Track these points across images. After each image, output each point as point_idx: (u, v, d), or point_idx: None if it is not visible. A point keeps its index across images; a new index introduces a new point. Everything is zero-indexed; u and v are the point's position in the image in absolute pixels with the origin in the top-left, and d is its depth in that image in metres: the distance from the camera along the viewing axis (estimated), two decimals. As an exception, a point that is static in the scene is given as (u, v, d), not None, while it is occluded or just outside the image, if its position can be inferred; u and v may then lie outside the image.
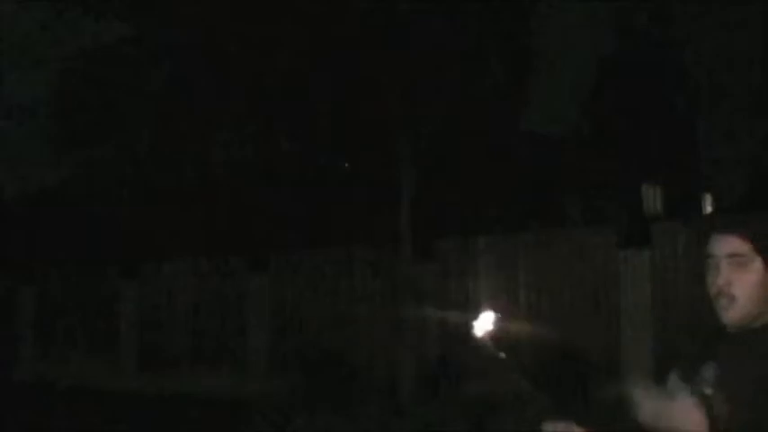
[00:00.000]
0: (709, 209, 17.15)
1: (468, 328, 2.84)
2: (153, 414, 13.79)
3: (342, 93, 13.66)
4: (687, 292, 12.45)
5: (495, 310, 2.87)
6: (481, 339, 2.84)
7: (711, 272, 2.69)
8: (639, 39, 14.09)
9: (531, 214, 14.95)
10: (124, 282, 17.61)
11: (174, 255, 17.08)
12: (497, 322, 2.83)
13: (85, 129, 16.46)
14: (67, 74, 16.54)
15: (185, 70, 15.70)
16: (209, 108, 15.73)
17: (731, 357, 2.61)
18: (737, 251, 2.64)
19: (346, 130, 15.30)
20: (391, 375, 12.98)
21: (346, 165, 17.50)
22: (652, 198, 17.36)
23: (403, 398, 12.40)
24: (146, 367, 16.83)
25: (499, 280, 13.83)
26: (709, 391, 2.61)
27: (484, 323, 2.84)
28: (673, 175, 16.91)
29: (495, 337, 2.83)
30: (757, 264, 2.63)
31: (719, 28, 13.20)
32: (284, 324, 15.65)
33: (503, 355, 2.85)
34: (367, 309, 14.77)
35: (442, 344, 14.01)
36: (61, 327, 18.11)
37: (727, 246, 2.67)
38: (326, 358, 14.17)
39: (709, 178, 16.59)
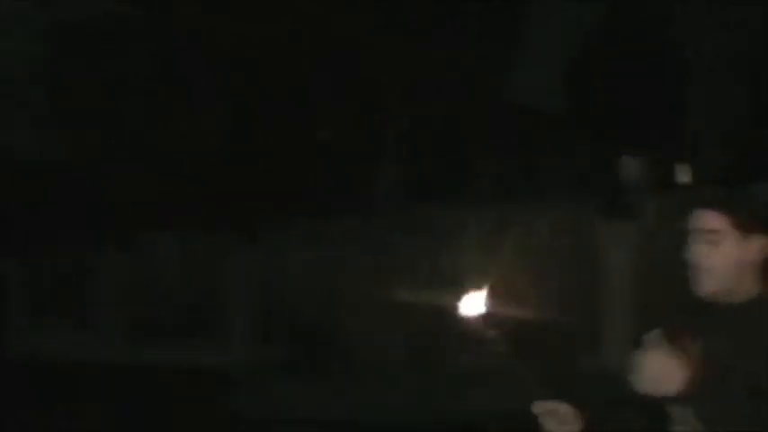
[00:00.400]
0: (689, 181, 17.23)
1: (456, 308, 2.86)
2: (139, 386, 13.84)
3: (329, 58, 13.61)
4: (669, 262, 12.56)
5: (482, 289, 2.89)
6: (470, 319, 2.86)
7: (690, 246, 2.75)
8: (624, 9, 14.12)
9: (514, 185, 15.00)
10: (111, 254, 17.58)
11: (159, 228, 17.05)
12: (486, 303, 2.86)
13: (71, 102, 16.37)
14: (50, 46, 16.44)
15: (169, 44, 15.63)
16: (191, 81, 15.68)
17: (717, 332, 2.64)
18: (713, 227, 2.69)
19: (333, 98, 15.26)
20: (380, 347, 13.04)
21: (330, 133, 17.46)
22: (633, 169, 17.43)
23: (391, 369, 12.47)
24: (129, 339, 16.84)
25: (482, 250, 13.89)
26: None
27: (473, 303, 2.86)
28: (654, 147, 16.96)
29: (485, 316, 2.86)
30: (732, 240, 2.67)
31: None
32: (270, 295, 15.68)
33: (492, 333, 2.88)
34: (354, 280, 14.81)
35: (429, 316, 14.08)
36: (48, 300, 18.09)
37: (704, 221, 2.71)
38: (314, 330, 14.21)
39: (691, 151, 16.63)
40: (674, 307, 2.88)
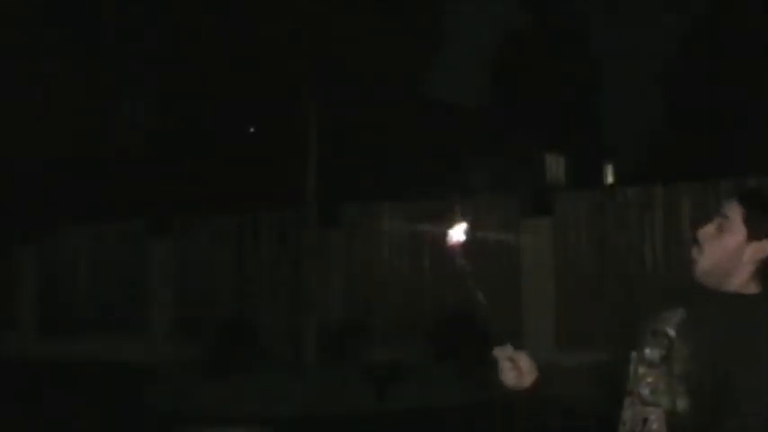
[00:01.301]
0: (610, 179, 17.49)
1: (443, 237, 2.96)
2: (55, 380, 13.61)
3: (250, 55, 13.53)
4: (588, 260, 12.73)
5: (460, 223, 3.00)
6: (452, 249, 2.95)
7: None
8: (547, 12, 14.26)
9: (436, 182, 15.07)
10: (24, 248, 17.30)
11: (74, 218, 16.80)
12: (467, 233, 2.95)
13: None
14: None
15: (90, 31, 15.40)
16: (111, 71, 15.47)
17: (700, 307, 2.69)
18: (727, 214, 2.72)
19: (254, 94, 15.18)
20: (295, 340, 13.00)
21: (252, 129, 17.38)
22: (555, 167, 17.65)
23: (306, 362, 12.43)
24: (48, 334, 16.57)
25: (403, 246, 13.94)
26: (672, 332, 2.68)
27: (456, 233, 2.95)
28: (576, 145, 17.19)
29: (464, 247, 2.94)
30: (738, 233, 2.69)
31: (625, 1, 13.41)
32: (187, 288, 15.55)
33: (467, 266, 2.89)
34: (272, 273, 14.76)
35: (346, 310, 14.10)
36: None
37: (725, 207, 2.73)
38: (230, 322, 14.13)
39: (611, 150, 16.90)
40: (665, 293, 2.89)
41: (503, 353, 2.82)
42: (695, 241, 2.75)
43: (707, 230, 2.73)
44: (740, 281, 2.71)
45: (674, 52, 13.07)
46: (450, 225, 3.00)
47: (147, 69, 15.50)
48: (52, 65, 16.18)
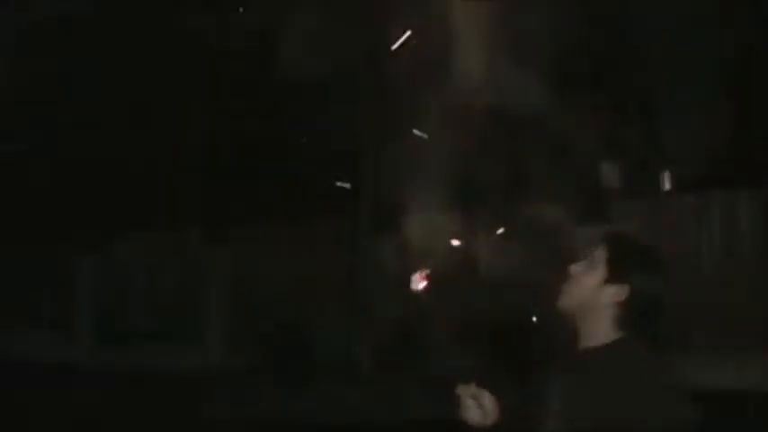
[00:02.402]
0: (667, 186, 17.25)
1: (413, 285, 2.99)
2: (110, 390, 13.73)
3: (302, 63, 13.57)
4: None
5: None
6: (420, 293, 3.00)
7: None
8: (598, 12, 14.13)
9: (489, 187, 14.98)
10: (80, 258, 17.47)
11: (130, 229, 16.94)
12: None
13: (41, 101, 16.25)
14: (18, 45, 16.32)
15: (144, 44, 15.54)
16: (169, 84, 15.58)
17: (580, 374, 2.70)
18: (593, 253, 2.83)
19: (306, 102, 15.20)
20: (350, 349, 12.99)
21: (304, 139, 17.39)
22: (610, 174, 17.45)
23: (361, 370, 12.42)
24: (102, 342, 16.71)
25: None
26: (557, 406, 2.72)
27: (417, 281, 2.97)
28: (632, 152, 17.00)
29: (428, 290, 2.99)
30: (600, 272, 2.76)
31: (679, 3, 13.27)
32: (243, 298, 15.61)
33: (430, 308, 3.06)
34: (327, 281, 14.76)
35: (402, 317, 14.05)
36: (18, 303, 17.94)
37: (594, 246, 2.85)
38: (285, 331, 14.15)
39: (668, 156, 16.71)
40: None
41: (466, 391, 2.85)
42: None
43: (575, 268, 2.78)
44: (599, 324, 2.72)
45: (732, 52, 12.91)
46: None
47: (200, 78, 15.60)
48: (109, 68, 16.30)
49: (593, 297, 2.73)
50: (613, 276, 2.73)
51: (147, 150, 16.88)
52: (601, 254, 2.77)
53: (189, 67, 15.40)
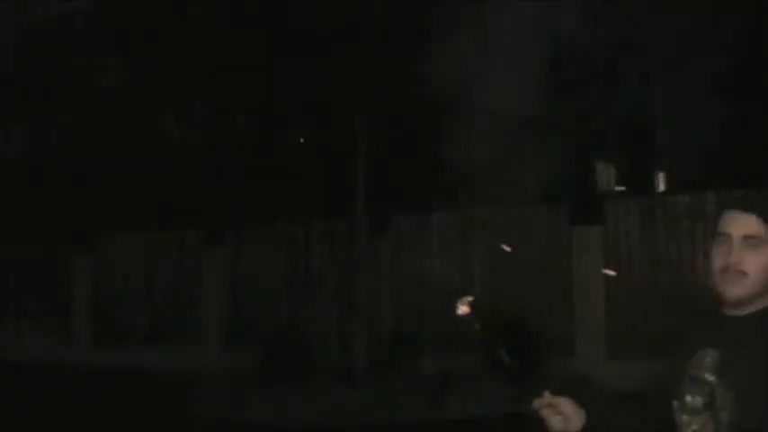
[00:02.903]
0: (662, 187, 17.32)
1: (452, 306, 2.92)
2: (108, 389, 13.75)
3: (299, 69, 13.63)
4: (638, 268, 12.63)
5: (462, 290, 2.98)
6: (464, 317, 2.92)
7: (721, 248, 2.66)
8: (594, 16, 14.16)
9: (489, 190, 15.02)
10: (78, 258, 17.49)
11: (128, 229, 16.97)
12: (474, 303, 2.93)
13: (38, 103, 16.28)
14: (19, 47, 16.34)
15: (141, 46, 15.56)
16: (165, 83, 15.61)
17: (733, 343, 2.59)
18: (754, 233, 2.63)
19: (303, 105, 15.26)
20: (346, 350, 13.03)
21: (301, 140, 17.45)
22: (605, 175, 17.52)
23: (356, 372, 12.45)
24: (100, 342, 16.74)
25: (453, 256, 13.93)
26: (711, 378, 2.61)
27: (465, 304, 2.92)
28: (626, 152, 17.06)
29: (473, 315, 2.91)
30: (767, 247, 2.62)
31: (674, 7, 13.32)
32: (240, 298, 15.66)
33: (482, 331, 2.93)
34: (322, 283, 14.82)
35: (396, 319, 14.11)
36: (15, 303, 17.95)
37: (744, 226, 2.64)
38: (282, 332, 14.19)
39: (663, 157, 16.73)
40: (687, 318, 2.84)
41: (541, 402, 2.78)
42: (727, 271, 2.62)
43: (740, 255, 2.62)
44: (765, 298, 2.63)
45: (728, 55, 12.95)
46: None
47: (203, 80, 15.63)
48: (108, 75, 16.37)
49: (766, 269, 2.62)
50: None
51: (145, 151, 16.90)
52: (760, 228, 2.61)
53: (186, 67, 15.43)
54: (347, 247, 13.90)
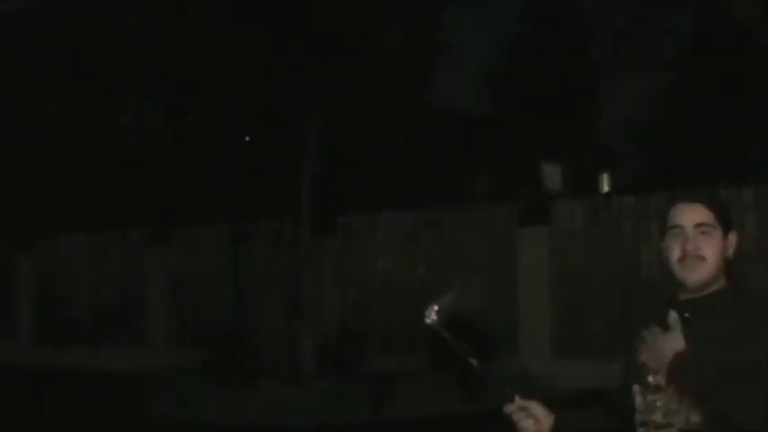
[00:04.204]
0: (606, 188, 17.47)
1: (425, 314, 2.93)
2: (52, 389, 13.59)
3: (247, 66, 13.55)
4: (584, 268, 12.71)
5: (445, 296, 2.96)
6: (434, 324, 2.92)
7: (676, 239, 2.81)
8: (543, 17, 14.24)
9: (436, 191, 15.06)
10: (22, 257, 17.31)
11: (73, 228, 16.78)
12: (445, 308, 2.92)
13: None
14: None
15: (87, 40, 15.38)
16: (113, 79, 15.45)
17: (693, 320, 2.73)
18: (704, 220, 2.79)
19: (249, 103, 15.18)
20: (291, 349, 12.98)
21: (247, 138, 17.36)
22: (552, 176, 17.63)
23: (302, 371, 12.40)
24: (44, 343, 16.55)
25: (401, 256, 13.94)
26: (677, 331, 2.72)
27: (437, 310, 2.89)
28: (572, 153, 17.17)
29: (441, 321, 2.93)
30: (719, 232, 2.79)
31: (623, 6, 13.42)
32: (184, 298, 15.55)
33: (448, 336, 2.87)
34: (268, 283, 14.75)
35: (343, 319, 14.09)
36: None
37: (694, 215, 2.80)
38: (228, 332, 14.11)
39: (609, 158, 16.87)
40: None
41: (512, 407, 2.81)
42: (685, 258, 2.77)
43: (696, 243, 2.77)
44: (721, 280, 2.79)
45: (674, 57, 13.08)
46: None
47: (147, 78, 15.48)
48: (52, 73, 16.16)
49: (723, 257, 2.80)
50: (728, 231, 2.82)
51: (89, 150, 16.71)
52: (708, 215, 2.80)
53: (136, 64, 15.29)
54: (293, 247, 13.84)
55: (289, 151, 13.67)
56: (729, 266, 2.82)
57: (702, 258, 2.77)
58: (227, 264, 15.21)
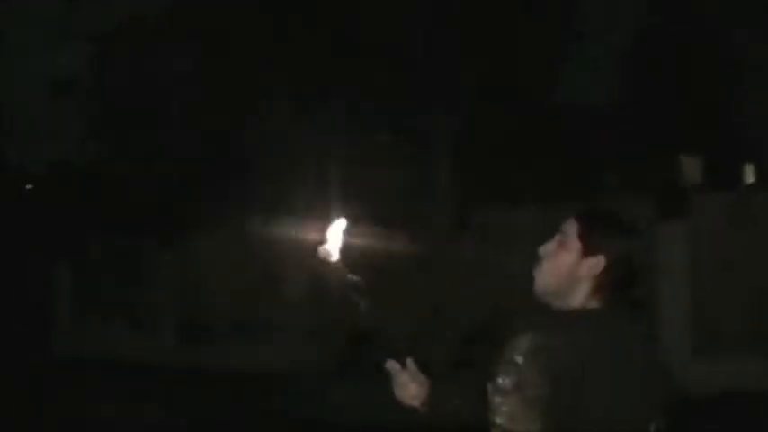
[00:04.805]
0: (750, 180, 16.90)
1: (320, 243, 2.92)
2: (191, 387, 13.85)
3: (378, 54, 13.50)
4: (725, 264, 12.32)
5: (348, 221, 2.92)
6: (330, 257, 2.92)
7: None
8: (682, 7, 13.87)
9: (568, 186, 14.81)
10: (162, 253, 17.63)
11: (209, 227, 16.99)
12: (346, 233, 2.93)
13: (121, 106, 16.40)
14: (104, 49, 16.48)
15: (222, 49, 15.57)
16: (245, 86, 15.59)
17: (546, 330, 2.73)
18: (563, 230, 2.80)
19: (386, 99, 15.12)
20: (425, 348, 12.92)
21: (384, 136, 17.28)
22: (691, 168, 17.14)
23: (440, 370, 12.31)
24: (185, 341, 16.87)
25: (532, 250, 13.71)
26: (520, 360, 2.72)
27: (334, 236, 2.91)
28: (713, 145, 16.68)
29: (345, 252, 2.93)
30: (575, 246, 2.76)
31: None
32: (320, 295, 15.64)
33: (352, 276, 2.98)
34: (403, 278, 14.71)
35: (475, 314, 13.97)
36: (98, 301, 18.20)
37: (566, 224, 2.83)
38: (362, 329, 14.14)
39: (752, 149, 16.36)
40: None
41: (394, 366, 2.89)
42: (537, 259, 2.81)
43: (547, 247, 2.79)
44: (580, 297, 2.74)
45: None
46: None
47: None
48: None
49: (571, 272, 2.74)
50: (588, 248, 2.75)
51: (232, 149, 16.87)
52: (572, 228, 2.76)
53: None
54: (428, 241, 13.76)
55: (421, 147, 13.65)
56: (598, 288, 2.72)
57: (542, 267, 2.80)
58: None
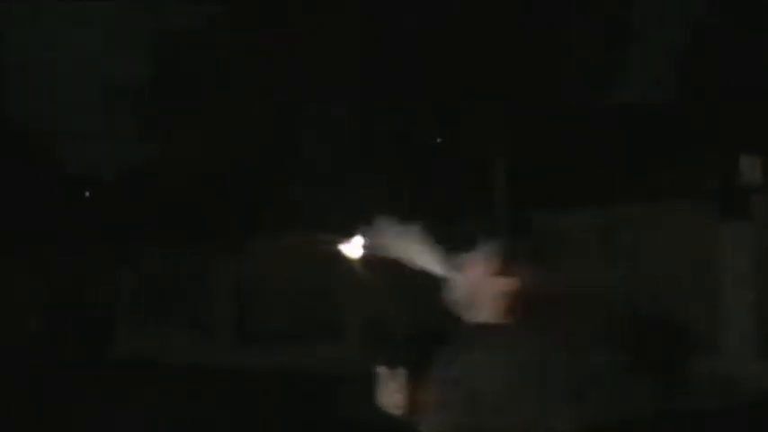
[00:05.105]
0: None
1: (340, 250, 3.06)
2: (250, 390, 13.91)
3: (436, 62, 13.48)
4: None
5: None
6: (355, 263, 3.05)
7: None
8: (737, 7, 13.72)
9: (625, 187, 14.71)
10: (221, 258, 17.74)
11: (272, 229, 17.07)
12: (368, 245, 3.02)
13: (180, 111, 16.54)
14: (163, 56, 16.63)
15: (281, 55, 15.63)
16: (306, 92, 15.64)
17: (477, 347, 2.85)
18: (477, 249, 2.93)
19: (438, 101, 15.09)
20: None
21: (438, 140, 17.25)
22: (752, 168, 16.94)
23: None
24: (244, 343, 16.96)
25: (594, 255, 13.66)
26: (443, 373, 2.86)
27: (355, 246, 3.03)
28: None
29: (368, 260, 3.02)
30: (484, 266, 2.90)
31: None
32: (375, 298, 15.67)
33: (378, 281, 3.17)
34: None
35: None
36: (158, 304, 18.37)
37: (479, 243, 2.96)
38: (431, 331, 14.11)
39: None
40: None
41: (387, 374, 2.93)
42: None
43: (459, 263, 2.90)
44: (489, 313, 2.86)
45: None
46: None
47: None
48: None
49: (481, 287, 2.86)
50: (497, 268, 2.87)
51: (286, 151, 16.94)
52: (494, 247, 2.89)
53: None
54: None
55: (479, 151, 13.61)
56: (511, 306, 2.83)
57: (456, 290, 2.93)
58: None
